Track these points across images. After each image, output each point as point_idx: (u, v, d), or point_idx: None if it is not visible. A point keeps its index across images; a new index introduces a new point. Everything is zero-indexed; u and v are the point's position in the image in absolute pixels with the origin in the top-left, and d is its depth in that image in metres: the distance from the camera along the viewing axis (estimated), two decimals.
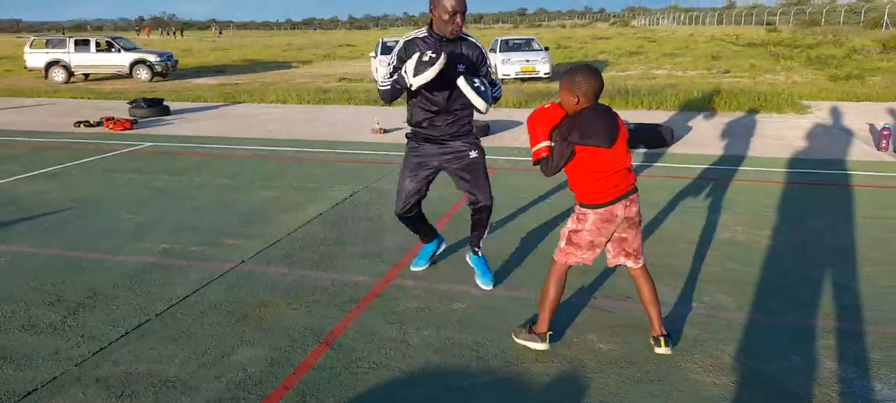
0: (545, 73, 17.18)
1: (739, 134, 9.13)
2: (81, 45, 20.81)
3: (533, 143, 2.99)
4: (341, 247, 4.67)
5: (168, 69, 20.83)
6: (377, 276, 4.11)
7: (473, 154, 3.72)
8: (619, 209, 2.96)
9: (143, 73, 20.42)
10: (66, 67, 20.33)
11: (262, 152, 8.45)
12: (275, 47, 41.27)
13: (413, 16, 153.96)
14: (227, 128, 10.57)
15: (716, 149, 8.15)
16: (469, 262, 4.00)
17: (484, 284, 3.89)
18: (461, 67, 3.47)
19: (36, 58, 20.65)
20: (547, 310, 3.10)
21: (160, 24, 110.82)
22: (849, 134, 8.91)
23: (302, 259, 4.45)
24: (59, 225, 5.30)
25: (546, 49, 18.65)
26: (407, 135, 3.88)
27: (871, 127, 9.11)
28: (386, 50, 18.29)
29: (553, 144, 2.94)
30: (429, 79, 3.25)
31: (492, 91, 3.53)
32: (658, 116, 10.66)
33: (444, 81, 3.40)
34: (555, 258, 3.12)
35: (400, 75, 3.41)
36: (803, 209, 5.47)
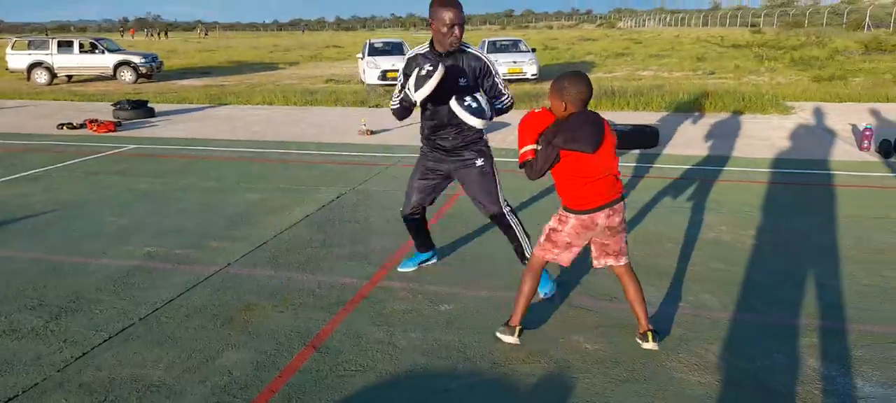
0: (532, 75, 17.23)
1: (724, 134, 9.20)
2: (64, 46, 20.56)
3: (520, 146, 3.03)
4: (328, 249, 4.65)
5: (153, 71, 20.64)
6: (364, 278, 4.10)
7: (479, 162, 3.69)
8: (600, 217, 2.99)
9: (127, 75, 20.23)
10: (49, 69, 20.08)
11: (248, 154, 8.41)
12: (261, 48, 41.07)
13: (400, 17, 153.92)
14: (213, 130, 10.50)
15: (701, 149, 8.21)
16: None
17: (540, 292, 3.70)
18: (462, 81, 3.49)
19: (18, 59, 20.37)
20: (520, 304, 3.17)
21: (145, 25, 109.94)
22: (831, 134, 9.01)
23: (288, 261, 4.43)
24: (41, 229, 5.23)
25: (533, 50, 18.70)
26: (422, 142, 3.89)
27: (854, 127, 9.22)
28: (373, 51, 18.25)
29: (538, 148, 2.97)
30: (429, 91, 3.30)
31: (496, 102, 3.54)
32: (644, 117, 10.73)
33: (444, 96, 3.42)
34: (533, 252, 3.19)
35: (405, 92, 3.48)
36: (787, 209, 5.52)
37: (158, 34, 77.97)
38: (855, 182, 6.42)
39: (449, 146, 3.69)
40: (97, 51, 20.66)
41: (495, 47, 18.79)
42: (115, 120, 11.04)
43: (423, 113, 3.69)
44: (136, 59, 20.50)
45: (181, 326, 3.48)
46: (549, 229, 3.12)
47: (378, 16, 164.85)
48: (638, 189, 6.19)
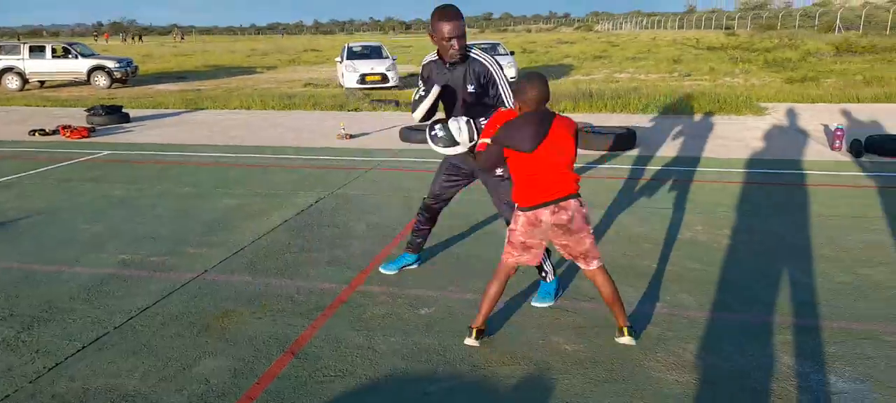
0: (511, 77, 17.31)
1: (700, 136, 9.32)
2: (36, 51, 20.19)
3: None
4: (307, 254, 4.62)
5: (127, 75, 20.36)
6: (343, 283, 4.08)
7: (498, 170, 3.62)
8: (544, 214, 3.04)
9: (101, 80, 19.93)
10: (21, 74, 19.70)
11: (226, 159, 8.32)
12: (239, 52, 40.72)
13: (379, 20, 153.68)
14: (189, 135, 10.38)
15: (677, 150, 8.31)
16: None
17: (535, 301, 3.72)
18: (471, 88, 3.56)
19: None
20: (482, 306, 3.20)
21: (119, 29, 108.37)
22: (804, 134, 9.17)
23: (266, 267, 4.39)
24: (12, 237, 5.13)
25: (512, 53, 18.79)
26: None
27: (826, 127, 9.39)
28: (352, 55, 18.17)
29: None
30: (423, 113, 3.58)
31: (480, 122, 3.48)
32: (622, 119, 10.83)
33: (456, 103, 3.61)
34: (502, 256, 3.24)
35: (419, 96, 3.67)
36: (761, 208, 5.61)
37: (133, 38, 76.95)
38: (827, 181, 6.54)
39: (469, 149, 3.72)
40: (70, 55, 20.33)
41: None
42: (89, 126, 10.87)
43: (446, 113, 3.79)
44: (111, 64, 20.22)
45: (157, 334, 3.43)
46: (509, 231, 3.20)
47: (357, 19, 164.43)
48: (615, 190, 6.24)
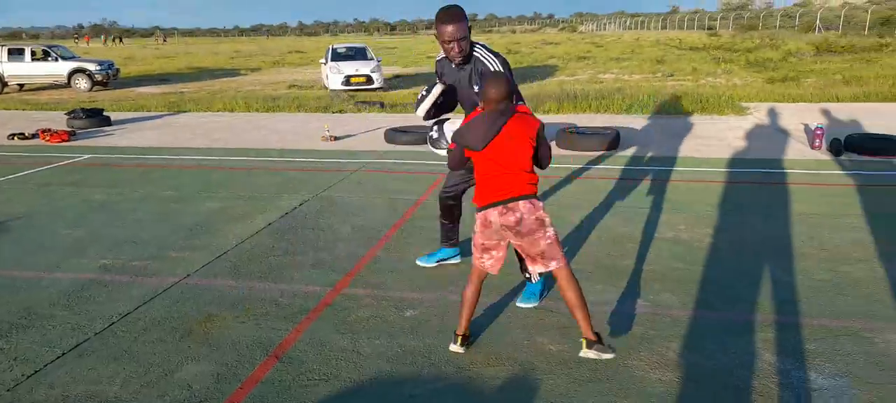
0: None
1: (682, 135, 9.40)
2: (15, 53, 19.94)
3: None
4: (291, 258, 4.59)
5: (109, 78, 20.15)
6: (328, 286, 4.06)
7: None
8: (492, 215, 3.01)
9: (82, 83, 19.71)
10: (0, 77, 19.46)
11: (209, 162, 8.26)
12: (222, 54, 40.45)
13: (363, 22, 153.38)
14: (172, 138, 10.29)
15: (660, 150, 8.37)
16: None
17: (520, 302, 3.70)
18: (477, 87, 3.63)
19: None
20: (462, 310, 3.18)
21: (101, 31, 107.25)
22: (785, 134, 9.28)
23: (250, 270, 4.36)
24: None
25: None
26: None
27: (806, 127, 9.50)
28: (336, 56, 18.11)
29: None
30: (425, 111, 3.75)
31: None
32: (606, 119, 10.89)
33: (466, 103, 3.76)
34: None
35: (422, 95, 3.80)
36: (743, 207, 5.66)
37: (114, 40, 76.15)
38: (807, 180, 6.62)
39: None
40: (50, 58, 20.10)
41: None
42: (70, 129, 10.73)
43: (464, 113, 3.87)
44: (92, 67, 20.01)
45: (138, 340, 3.39)
46: (473, 234, 3.16)
47: (341, 21, 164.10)
48: (598, 190, 6.28)
